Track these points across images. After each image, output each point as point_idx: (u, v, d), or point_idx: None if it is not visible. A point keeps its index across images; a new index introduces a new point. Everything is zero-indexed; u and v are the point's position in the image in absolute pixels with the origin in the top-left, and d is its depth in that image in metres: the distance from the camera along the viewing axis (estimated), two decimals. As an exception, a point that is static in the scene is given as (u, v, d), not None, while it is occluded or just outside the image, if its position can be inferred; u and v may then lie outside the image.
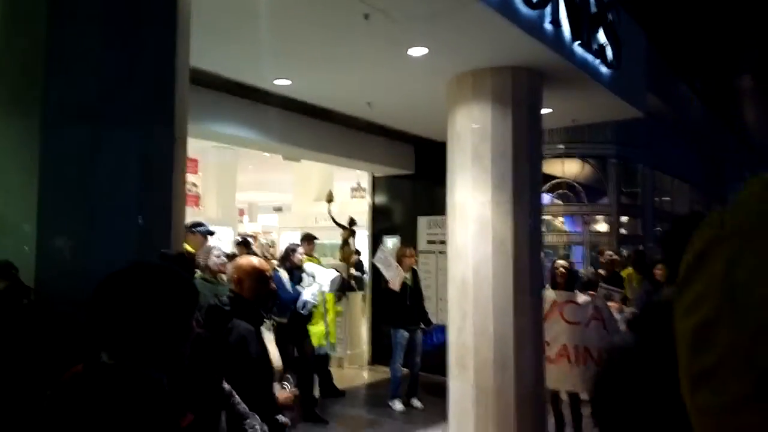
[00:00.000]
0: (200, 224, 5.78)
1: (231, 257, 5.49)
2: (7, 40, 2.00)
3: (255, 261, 2.90)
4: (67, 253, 1.91)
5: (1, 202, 1.92)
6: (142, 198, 2.04)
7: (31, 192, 1.89)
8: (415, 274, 6.79)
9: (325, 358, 6.85)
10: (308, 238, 6.79)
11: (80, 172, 1.95)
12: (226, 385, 2.68)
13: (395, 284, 6.46)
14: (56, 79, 1.95)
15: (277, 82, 5.46)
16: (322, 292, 6.23)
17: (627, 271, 6.57)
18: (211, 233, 5.93)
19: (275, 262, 7.02)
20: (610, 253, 6.33)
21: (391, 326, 6.64)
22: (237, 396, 2.69)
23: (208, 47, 4.40)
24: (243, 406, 2.68)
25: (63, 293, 1.89)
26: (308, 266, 6.15)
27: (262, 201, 21.72)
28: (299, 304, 5.83)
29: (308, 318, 6.01)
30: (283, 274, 6.03)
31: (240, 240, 9.90)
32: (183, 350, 1.35)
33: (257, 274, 2.88)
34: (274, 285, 3.10)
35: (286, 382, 2.89)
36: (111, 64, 2.02)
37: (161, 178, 2.12)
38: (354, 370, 8.44)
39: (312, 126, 6.83)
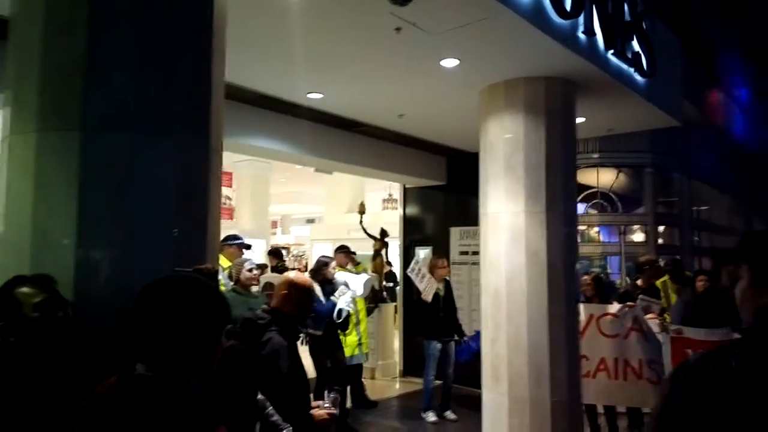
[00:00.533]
0: (237, 237, 5.88)
1: (261, 268, 5.56)
2: (48, 53, 2.06)
3: (308, 278, 3.01)
4: (105, 265, 1.96)
5: (43, 215, 1.98)
6: (179, 210, 2.08)
7: (71, 204, 1.95)
8: (447, 285, 6.75)
9: (358, 368, 6.86)
10: (342, 250, 6.83)
11: (119, 184, 2.00)
12: (261, 396, 2.70)
13: (428, 296, 6.44)
14: (96, 91, 2.01)
15: (310, 95, 5.53)
16: (357, 299, 6.27)
17: (662, 280, 6.42)
18: (248, 247, 6.02)
19: (307, 274, 7.08)
20: (646, 258, 6.19)
21: (424, 337, 6.60)
22: (271, 407, 2.71)
23: (243, 63, 4.49)
24: (277, 417, 2.70)
25: (102, 305, 1.94)
26: (338, 276, 6.17)
27: (295, 213, 21.94)
28: (335, 312, 5.86)
29: (344, 327, 6.03)
30: (316, 287, 6.06)
31: (271, 249, 10.00)
32: (213, 361, 1.37)
33: (309, 291, 2.96)
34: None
35: (327, 400, 2.87)
36: (149, 75, 2.08)
37: (197, 189, 2.16)
38: (386, 382, 8.41)
39: (344, 138, 6.89)
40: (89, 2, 2.04)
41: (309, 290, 2.98)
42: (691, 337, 4.82)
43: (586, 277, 6.02)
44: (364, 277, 6.28)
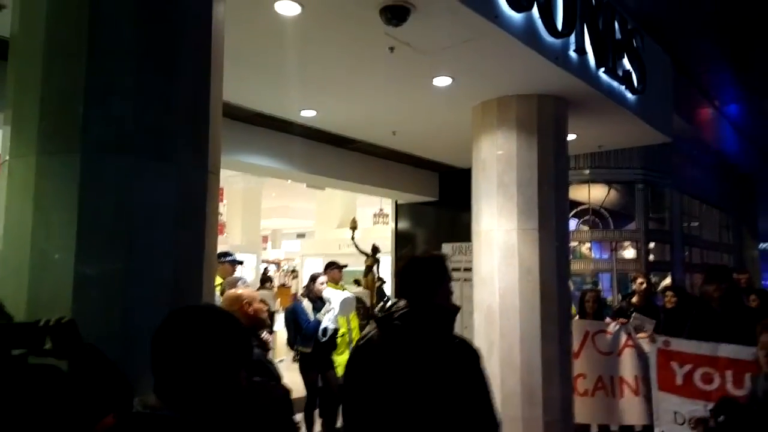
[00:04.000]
0: (228, 254, 5.85)
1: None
2: (48, 76, 2.06)
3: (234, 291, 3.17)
4: (103, 286, 1.95)
5: (43, 237, 1.97)
6: (178, 232, 2.07)
7: (70, 227, 1.94)
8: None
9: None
10: (332, 266, 6.79)
11: (118, 207, 1.99)
12: None
13: None
14: (95, 114, 2.01)
15: (303, 113, 5.54)
16: (344, 317, 6.14)
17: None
18: (240, 263, 5.99)
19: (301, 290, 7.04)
20: (642, 280, 6.21)
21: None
22: None
23: (237, 81, 4.50)
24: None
25: (99, 327, 1.92)
26: (326, 292, 6.10)
27: (286, 228, 21.87)
28: (320, 331, 5.80)
29: (332, 346, 5.97)
30: (306, 304, 6.02)
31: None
32: (226, 399, 1.30)
33: (235, 299, 3.04)
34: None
35: None
36: (148, 98, 2.08)
37: (196, 211, 2.16)
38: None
39: (337, 155, 6.91)
40: (89, 26, 2.05)
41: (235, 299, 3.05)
42: (678, 350, 4.83)
43: (589, 293, 6.04)
44: (344, 294, 6.07)
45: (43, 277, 1.96)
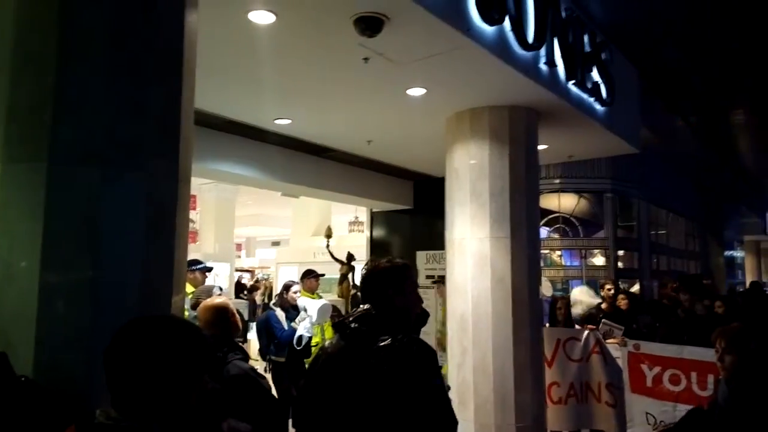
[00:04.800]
0: (197, 262, 5.79)
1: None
2: (16, 85, 2.03)
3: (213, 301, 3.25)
4: (70, 298, 1.92)
5: (6, 248, 1.93)
6: (147, 242, 2.05)
7: (35, 238, 1.91)
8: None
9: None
10: (310, 274, 6.76)
11: (86, 217, 1.97)
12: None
13: None
14: (64, 122, 1.98)
15: (277, 121, 5.54)
16: (318, 326, 6.11)
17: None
18: (209, 269, 5.94)
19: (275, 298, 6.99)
20: (610, 287, 6.34)
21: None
22: None
23: (210, 89, 4.48)
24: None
25: (66, 339, 1.89)
26: (300, 301, 6.07)
27: (260, 235, 21.73)
28: (295, 339, 5.77)
29: (307, 355, 5.94)
30: (279, 313, 5.99)
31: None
32: (188, 406, 1.30)
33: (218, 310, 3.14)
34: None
35: None
36: (118, 107, 2.06)
37: (166, 221, 2.14)
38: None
39: (312, 163, 6.90)
40: (59, 32, 2.02)
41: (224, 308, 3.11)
42: (647, 353, 4.95)
43: (560, 300, 6.14)
44: (320, 302, 6.05)
45: (7, 290, 1.91)
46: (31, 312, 1.88)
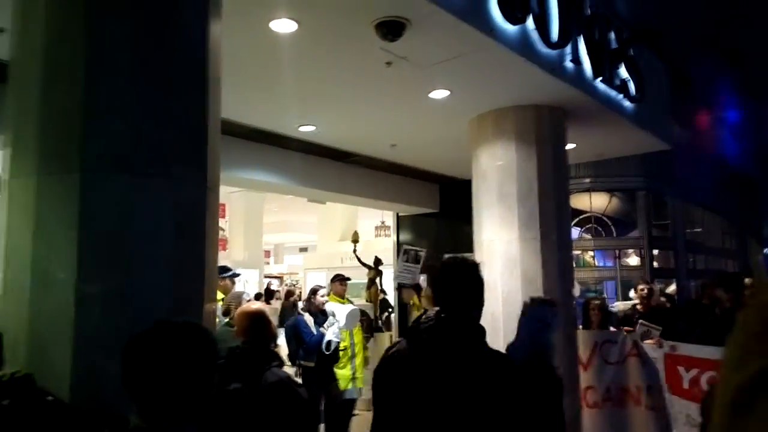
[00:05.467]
0: (226, 269, 5.84)
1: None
2: (47, 98, 2.09)
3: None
4: (105, 304, 1.95)
5: (44, 257, 1.98)
6: (177, 249, 2.08)
7: (71, 246, 1.95)
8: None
9: (350, 403, 6.70)
10: (338, 279, 6.76)
11: (118, 225, 2.01)
12: None
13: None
14: (94, 132, 2.03)
15: (301, 128, 5.58)
16: (347, 330, 6.10)
17: None
18: (237, 275, 5.99)
19: (301, 304, 7.01)
20: (643, 287, 6.18)
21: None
22: None
23: (235, 98, 4.53)
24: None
25: (102, 344, 1.92)
26: (329, 306, 6.07)
27: (288, 242, 21.88)
28: (324, 344, 5.78)
29: (335, 360, 5.94)
30: (308, 318, 6.00)
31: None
32: (206, 404, 1.34)
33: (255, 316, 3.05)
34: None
35: None
36: (146, 117, 2.10)
37: (195, 228, 2.17)
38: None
39: (337, 169, 6.93)
40: (87, 47, 2.07)
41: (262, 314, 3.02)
42: (684, 354, 4.81)
43: (593, 302, 6.00)
44: (349, 307, 6.00)
45: (44, 297, 1.97)
46: (68, 319, 1.92)
